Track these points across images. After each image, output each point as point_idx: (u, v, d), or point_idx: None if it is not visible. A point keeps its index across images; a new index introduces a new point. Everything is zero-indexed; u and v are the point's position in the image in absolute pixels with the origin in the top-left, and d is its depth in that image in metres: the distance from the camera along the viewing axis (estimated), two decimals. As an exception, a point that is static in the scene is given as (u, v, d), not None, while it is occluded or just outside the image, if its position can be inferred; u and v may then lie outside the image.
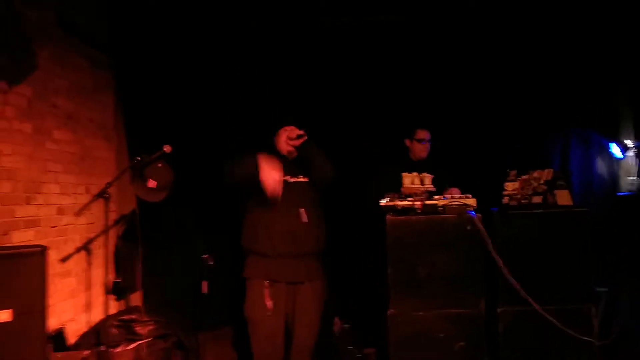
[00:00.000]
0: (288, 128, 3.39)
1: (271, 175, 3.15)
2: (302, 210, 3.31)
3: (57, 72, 3.76)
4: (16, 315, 2.48)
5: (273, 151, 3.41)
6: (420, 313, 3.12)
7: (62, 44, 3.84)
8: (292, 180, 3.39)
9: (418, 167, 3.75)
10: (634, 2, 3.98)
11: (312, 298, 3.35)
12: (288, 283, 3.27)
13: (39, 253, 2.65)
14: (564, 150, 4.45)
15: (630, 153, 4.21)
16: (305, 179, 3.42)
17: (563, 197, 3.26)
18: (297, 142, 3.34)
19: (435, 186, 3.33)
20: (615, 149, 4.25)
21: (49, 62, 3.66)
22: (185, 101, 4.48)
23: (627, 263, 3.59)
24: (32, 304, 2.55)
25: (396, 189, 3.36)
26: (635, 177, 4.16)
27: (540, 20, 4.26)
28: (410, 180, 3.30)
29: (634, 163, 4.19)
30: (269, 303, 3.18)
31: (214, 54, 4.47)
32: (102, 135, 4.36)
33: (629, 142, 4.22)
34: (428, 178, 3.31)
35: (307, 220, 3.31)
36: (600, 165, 4.37)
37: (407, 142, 3.96)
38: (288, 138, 3.36)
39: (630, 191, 4.15)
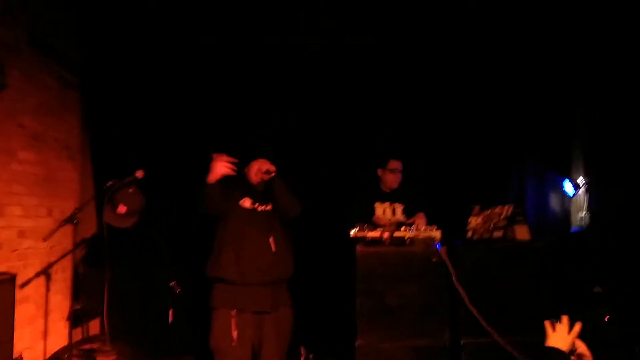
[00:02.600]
0: (260, 160, 3.44)
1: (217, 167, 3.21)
2: (271, 239, 3.35)
3: (25, 91, 3.69)
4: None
5: (243, 179, 3.44)
6: (387, 344, 3.18)
7: (32, 63, 3.78)
8: (261, 208, 3.43)
9: (390, 196, 3.87)
10: (590, 44, 4.27)
11: (279, 327, 3.36)
12: (254, 312, 3.27)
13: (8, 281, 2.57)
14: (521, 186, 4.67)
15: (582, 190, 4.47)
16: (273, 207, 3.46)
17: (522, 232, 3.44)
18: (266, 177, 3.40)
19: (406, 215, 3.44)
20: (567, 186, 4.50)
21: (18, 81, 3.59)
22: (153, 125, 4.45)
23: (579, 296, 3.78)
24: (0, 333, 2.46)
25: (368, 218, 3.46)
26: (585, 212, 4.41)
27: (499, 61, 4.50)
28: (382, 210, 3.41)
29: (584, 199, 4.45)
30: (235, 333, 3.17)
31: (182, 78, 4.48)
32: (67, 156, 4.27)
33: (580, 180, 4.48)
34: (399, 208, 3.42)
35: (275, 249, 3.34)
36: (554, 202, 4.61)
37: (380, 171, 4.03)
38: (259, 170, 3.42)
39: (580, 226, 4.40)
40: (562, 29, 4.28)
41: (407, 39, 4.42)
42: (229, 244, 3.31)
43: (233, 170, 3.20)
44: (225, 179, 3.31)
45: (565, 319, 1.79)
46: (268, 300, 3.31)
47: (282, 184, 3.40)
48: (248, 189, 3.44)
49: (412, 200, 3.89)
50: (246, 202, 3.40)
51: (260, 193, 3.46)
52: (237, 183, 3.41)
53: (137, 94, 4.43)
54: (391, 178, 3.99)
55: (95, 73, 4.40)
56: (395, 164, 4.00)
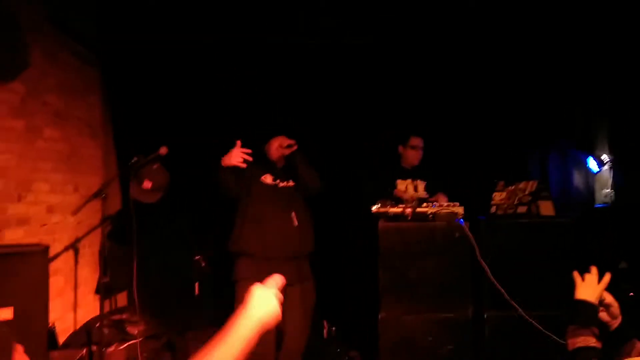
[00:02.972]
0: (279, 137, 3.47)
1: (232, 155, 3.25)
2: (293, 214, 3.37)
3: (48, 70, 3.72)
4: (17, 313, 2.45)
5: (264, 157, 3.46)
6: (410, 317, 3.22)
7: (53, 42, 3.80)
8: (282, 184, 3.46)
9: (410, 173, 3.86)
10: (610, 24, 4.18)
11: (303, 300, 3.40)
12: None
13: (42, 252, 2.63)
14: (543, 163, 4.63)
15: (606, 167, 4.41)
16: (295, 184, 3.50)
17: (546, 208, 3.42)
18: (287, 151, 3.43)
19: (428, 193, 3.44)
20: (592, 163, 4.44)
21: (40, 60, 3.62)
22: (173, 102, 4.47)
23: (604, 271, 3.75)
24: (34, 303, 2.53)
25: (389, 194, 3.46)
26: (609, 190, 4.37)
27: (524, 43, 4.41)
28: (404, 186, 3.40)
29: (608, 176, 4.40)
30: None
31: (204, 55, 4.48)
32: (89, 134, 4.32)
33: (604, 157, 4.42)
34: (421, 185, 3.41)
35: (297, 224, 3.36)
36: (578, 178, 4.57)
37: (401, 148, 4.00)
38: (279, 146, 3.44)
39: (605, 203, 4.36)
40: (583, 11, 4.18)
41: (431, 28, 4.36)
42: (251, 219, 3.35)
43: (244, 162, 3.23)
44: (247, 162, 3.34)
45: (594, 269, 1.79)
46: (291, 273, 3.34)
47: (303, 156, 3.44)
48: (269, 166, 3.48)
49: (434, 178, 3.87)
50: (267, 179, 3.43)
51: (281, 170, 3.50)
52: (258, 161, 3.43)
53: (157, 72, 4.45)
54: (412, 155, 3.95)
55: (115, 51, 4.42)
56: (416, 141, 3.96)
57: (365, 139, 4.51)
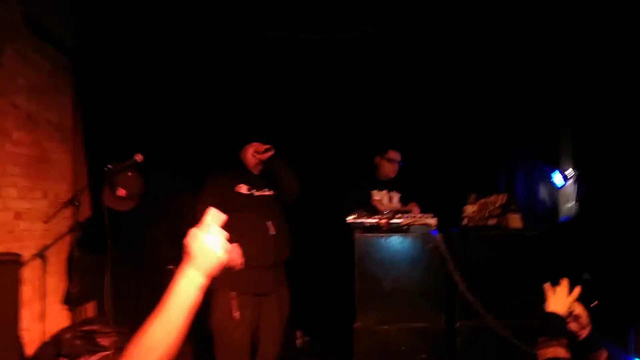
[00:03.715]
0: (255, 143, 3.43)
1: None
2: (269, 223, 3.37)
3: (18, 71, 3.64)
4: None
5: (239, 165, 3.45)
6: (384, 327, 3.26)
7: (26, 43, 3.72)
8: (258, 193, 3.44)
9: (386, 184, 3.92)
10: (580, 37, 4.35)
11: (278, 309, 3.40)
12: (255, 295, 3.31)
13: (14, 261, 2.56)
14: (510, 176, 4.77)
15: (570, 181, 4.57)
16: (271, 192, 3.47)
17: (515, 221, 3.53)
18: (265, 156, 3.37)
19: (403, 204, 3.50)
20: (557, 178, 4.60)
21: (11, 61, 3.54)
22: (146, 107, 4.43)
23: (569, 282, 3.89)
24: (4, 313, 2.45)
25: (364, 204, 3.50)
26: (574, 203, 4.53)
27: (491, 55, 4.56)
28: (379, 197, 3.45)
29: (573, 190, 4.56)
30: (237, 314, 3.20)
31: (180, 58, 4.45)
32: (59, 138, 4.22)
33: (569, 171, 4.58)
34: (396, 196, 3.47)
35: (274, 233, 3.37)
36: (543, 192, 4.72)
37: (377, 159, 4.03)
38: (255, 152, 3.39)
39: (569, 216, 4.52)
40: (554, 22, 4.35)
41: (404, 36, 4.44)
42: (227, 229, 3.31)
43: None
44: (222, 169, 3.33)
45: (564, 281, 1.86)
46: (268, 282, 3.34)
47: (283, 160, 3.40)
48: (244, 175, 3.43)
49: (408, 190, 3.94)
50: (242, 188, 3.39)
51: (256, 178, 3.46)
52: (232, 169, 3.42)
53: (131, 76, 4.40)
54: (388, 167, 3.99)
55: (89, 55, 4.35)
56: (393, 155, 4.00)
57: (342, 150, 4.55)
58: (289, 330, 3.77)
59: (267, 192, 3.46)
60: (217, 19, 4.37)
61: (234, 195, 3.37)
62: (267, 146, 3.36)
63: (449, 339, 3.29)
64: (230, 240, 3.13)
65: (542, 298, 2.27)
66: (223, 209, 3.23)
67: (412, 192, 3.86)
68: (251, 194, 3.40)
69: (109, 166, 3.22)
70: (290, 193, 3.47)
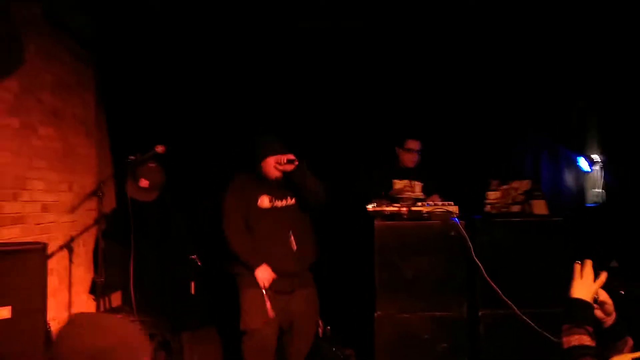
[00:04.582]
0: (275, 155, 3.32)
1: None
2: (292, 238, 3.32)
3: (42, 67, 3.69)
4: (15, 312, 2.44)
5: (259, 176, 3.38)
6: (406, 315, 3.25)
7: (48, 39, 3.78)
8: (281, 204, 3.38)
9: (407, 174, 3.89)
10: (602, 23, 4.22)
11: (307, 305, 3.40)
12: (282, 293, 3.30)
13: (40, 250, 2.62)
14: (536, 162, 4.68)
15: (597, 167, 4.47)
16: (293, 201, 3.41)
17: (539, 207, 3.46)
18: (289, 168, 3.28)
19: (425, 194, 3.47)
20: (583, 163, 4.50)
21: (35, 57, 3.59)
22: (168, 100, 4.47)
23: (596, 270, 3.81)
24: (32, 302, 2.52)
25: (384, 194, 3.48)
26: (600, 190, 4.42)
27: (515, 45, 4.44)
28: (401, 186, 3.43)
29: (599, 176, 4.46)
30: (271, 312, 3.19)
31: (201, 55, 4.46)
32: (84, 132, 4.29)
33: (595, 157, 4.48)
34: (418, 186, 3.44)
35: (296, 247, 3.33)
36: (569, 178, 4.62)
37: (397, 149, 4.03)
38: (277, 163, 3.30)
39: (596, 203, 4.42)
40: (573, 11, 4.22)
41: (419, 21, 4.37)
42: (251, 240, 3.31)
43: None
44: (241, 182, 3.34)
45: (589, 263, 1.81)
46: (292, 284, 3.34)
47: (306, 169, 3.31)
48: (265, 186, 3.35)
49: (431, 179, 3.90)
50: (264, 202, 3.34)
51: (277, 188, 3.38)
52: (252, 182, 3.36)
53: (153, 70, 4.42)
54: (408, 157, 3.97)
55: (110, 49, 4.40)
56: (412, 144, 3.97)
57: (362, 139, 4.51)
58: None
59: (289, 202, 3.40)
60: (237, 10, 4.36)
61: (257, 211, 3.32)
62: (289, 156, 3.26)
63: (472, 327, 3.26)
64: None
65: (567, 285, 2.22)
66: (247, 225, 3.24)
67: (434, 181, 3.82)
68: (273, 207, 3.35)
69: (132, 157, 3.27)
70: (315, 202, 3.39)
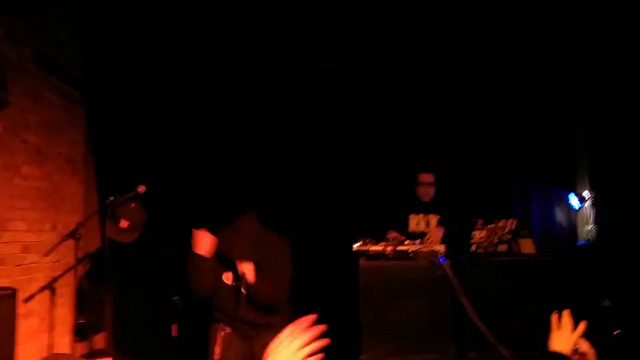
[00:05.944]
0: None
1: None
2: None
3: (29, 108, 3.72)
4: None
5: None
6: (393, 358, 3.15)
7: (36, 80, 3.82)
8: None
9: (425, 207, 3.88)
10: (592, 57, 4.26)
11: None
12: (247, 333, 3.14)
13: (9, 296, 2.57)
14: (525, 200, 4.64)
15: (587, 204, 4.43)
16: None
17: (527, 246, 3.41)
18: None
19: (445, 226, 3.44)
20: (573, 200, 4.47)
21: (21, 98, 3.63)
22: (156, 140, 4.47)
23: (588, 310, 3.73)
24: (2, 348, 2.45)
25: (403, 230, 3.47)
26: (592, 226, 4.38)
27: (502, 75, 4.48)
28: (415, 222, 3.42)
29: (590, 213, 4.41)
30: (218, 350, 3.02)
31: (186, 94, 4.50)
32: (70, 171, 4.29)
33: (585, 193, 4.45)
34: (434, 219, 3.42)
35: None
36: (559, 216, 4.58)
37: (414, 184, 4.06)
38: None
39: (587, 240, 4.36)
40: (564, 36, 4.26)
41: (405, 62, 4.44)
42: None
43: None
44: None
45: (567, 316, 1.74)
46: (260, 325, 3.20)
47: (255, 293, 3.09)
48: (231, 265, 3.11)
49: (448, 211, 3.89)
50: (228, 279, 3.13)
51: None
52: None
53: (142, 111, 4.46)
54: (421, 191, 3.98)
55: (99, 89, 4.44)
56: (424, 177, 4.00)
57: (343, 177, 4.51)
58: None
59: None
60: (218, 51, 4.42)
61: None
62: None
63: (460, 371, 3.16)
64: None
65: (547, 332, 2.16)
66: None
67: (452, 213, 3.81)
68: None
69: (111, 198, 3.24)
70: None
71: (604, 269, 4.05)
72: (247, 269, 3.01)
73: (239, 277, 3.00)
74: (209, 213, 4.10)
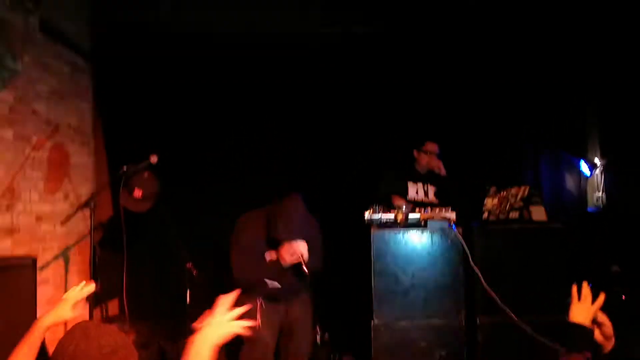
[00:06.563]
0: (288, 246, 3.05)
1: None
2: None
3: (38, 78, 3.70)
4: (6, 325, 2.41)
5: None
6: (403, 323, 3.21)
7: (44, 49, 3.79)
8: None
9: (423, 177, 3.86)
10: (602, 28, 4.19)
11: (304, 312, 3.33)
12: (279, 301, 3.26)
13: (30, 265, 2.60)
14: (536, 167, 4.62)
15: (597, 170, 4.42)
16: None
17: (538, 213, 3.41)
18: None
19: (439, 198, 3.43)
20: (584, 167, 4.45)
21: (30, 68, 3.61)
22: (165, 109, 4.45)
23: (597, 275, 3.76)
24: (23, 316, 2.49)
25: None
26: (601, 193, 4.37)
27: (517, 48, 4.41)
28: (414, 189, 3.41)
29: (600, 180, 4.40)
30: (259, 318, 3.13)
31: (198, 61, 4.45)
32: (80, 141, 4.29)
33: (596, 160, 4.43)
34: (432, 190, 3.41)
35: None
36: (569, 182, 4.57)
37: (415, 152, 4.01)
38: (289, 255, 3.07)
39: (597, 207, 4.36)
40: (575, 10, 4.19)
41: (420, 26, 4.36)
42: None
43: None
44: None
45: (587, 288, 1.76)
46: (291, 292, 3.27)
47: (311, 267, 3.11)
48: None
49: (446, 183, 3.88)
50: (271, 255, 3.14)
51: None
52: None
53: (150, 79, 4.42)
54: (426, 160, 3.95)
55: (107, 58, 4.41)
56: (430, 146, 3.96)
57: (370, 143, 4.48)
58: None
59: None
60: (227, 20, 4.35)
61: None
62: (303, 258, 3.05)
63: (470, 335, 3.21)
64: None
65: (566, 297, 2.16)
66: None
67: (449, 186, 3.80)
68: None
69: (125, 168, 3.25)
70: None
71: (613, 235, 4.07)
72: (304, 250, 3.03)
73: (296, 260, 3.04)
74: (221, 181, 4.15)
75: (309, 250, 3.09)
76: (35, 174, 3.62)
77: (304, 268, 3.04)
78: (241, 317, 1.86)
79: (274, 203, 3.11)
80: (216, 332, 1.57)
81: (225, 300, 1.66)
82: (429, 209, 3.39)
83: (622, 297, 3.67)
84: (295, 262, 3.07)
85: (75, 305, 1.81)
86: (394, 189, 3.82)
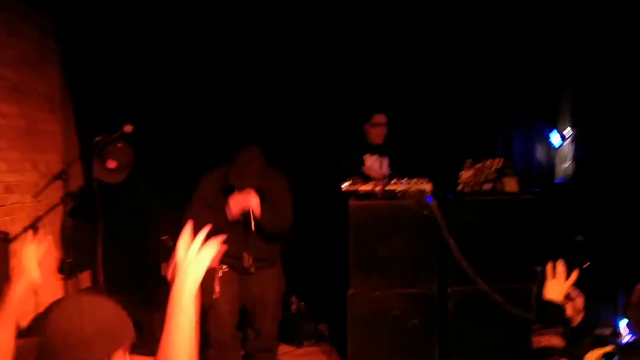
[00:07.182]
0: (240, 197, 3.07)
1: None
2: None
3: (4, 41, 3.53)
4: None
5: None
6: (378, 292, 3.29)
7: (13, 12, 3.60)
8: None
9: (377, 149, 3.88)
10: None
11: (269, 282, 3.29)
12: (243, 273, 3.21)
13: (2, 239, 2.54)
14: (509, 137, 4.70)
15: (568, 141, 4.52)
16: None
17: (511, 184, 3.50)
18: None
19: (392, 170, 3.47)
20: (554, 137, 4.54)
21: (-2, 31, 3.44)
22: (139, 78, 4.31)
23: (562, 244, 3.90)
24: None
25: (358, 170, 3.47)
26: (570, 163, 4.49)
27: (490, 21, 4.40)
28: (370, 162, 3.44)
29: (569, 150, 4.51)
30: (217, 288, 3.11)
31: (173, 28, 4.31)
32: (49, 109, 4.14)
33: (566, 130, 4.52)
34: (385, 161, 3.45)
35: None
36: (540, 153, 4.67)
37: (366, 126, 4.02)
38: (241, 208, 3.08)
39: (564, 177, 4.49)
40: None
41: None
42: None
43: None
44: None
45: (561, 266, 1.83)
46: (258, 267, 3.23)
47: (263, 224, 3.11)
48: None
49: (399, 154, 3.90)
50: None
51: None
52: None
53: (123, 45, 4.26)
54: (375, 132, 3.97)
55: (78, 23, 4.21)
56: (378, 118, 3.97)
57: (333, 117, 4.46)
58: (285, 297, 3.79)
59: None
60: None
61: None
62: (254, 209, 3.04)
63: (442, 303, 3.31)
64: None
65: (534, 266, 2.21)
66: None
67: (401, 156, 3.83)
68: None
69: (98, 138, 3.17)
70: (279, 233, 3.25)
71: (578, 205, 4.20)
72: (253, 200, 3.02)
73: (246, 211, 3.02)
74: (197, 152, 4.09)
75: (268, 204, 3.07)
76: (2, 143, 3.49)
77: (252, 220, 3.02)
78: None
79: (229, 158, 3.10)
80: (191, 276, 1.42)
81: (186, 240, 1.48)
82: (405, 180, 3.42)
83: (584, 264, 3.82)
84: (243, 212, 3.04)
85: (38, 265, 1.71)
86: (354, 162, 3.85)
